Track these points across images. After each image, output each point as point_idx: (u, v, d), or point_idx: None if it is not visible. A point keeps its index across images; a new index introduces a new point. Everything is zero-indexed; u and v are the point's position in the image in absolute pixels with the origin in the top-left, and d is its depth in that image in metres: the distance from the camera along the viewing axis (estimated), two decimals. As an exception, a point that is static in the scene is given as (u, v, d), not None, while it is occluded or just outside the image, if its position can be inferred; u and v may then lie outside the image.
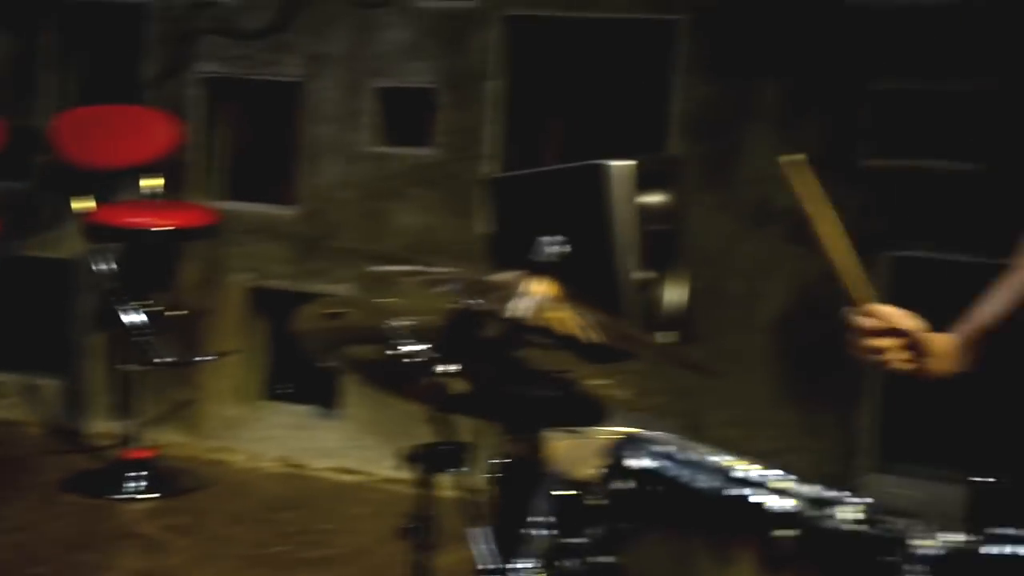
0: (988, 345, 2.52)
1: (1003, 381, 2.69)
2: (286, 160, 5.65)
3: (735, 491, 1.90)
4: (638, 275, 3.04)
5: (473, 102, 5.33)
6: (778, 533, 1.87)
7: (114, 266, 5.22)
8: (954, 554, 1.84)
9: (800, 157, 2.35)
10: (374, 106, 5.47)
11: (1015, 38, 4.58)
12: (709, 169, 5.10)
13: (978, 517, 2.52)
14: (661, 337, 3.10)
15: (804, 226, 5.08)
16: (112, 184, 5.42)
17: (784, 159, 2.36)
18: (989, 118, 4.65)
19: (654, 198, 2.89)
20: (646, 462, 1.96)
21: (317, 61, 5.51)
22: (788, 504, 1.89)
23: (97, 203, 5.14)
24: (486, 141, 5.32)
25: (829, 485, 2.23)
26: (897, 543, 1.84)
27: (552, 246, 2.40)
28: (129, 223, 4.99)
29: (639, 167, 2.89)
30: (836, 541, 1.88)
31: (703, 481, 1.92)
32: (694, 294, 3.16)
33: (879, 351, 2.46)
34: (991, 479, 2.52)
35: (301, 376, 5.66)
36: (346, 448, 5.55)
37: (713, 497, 1.90)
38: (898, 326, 2.44)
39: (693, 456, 2.02)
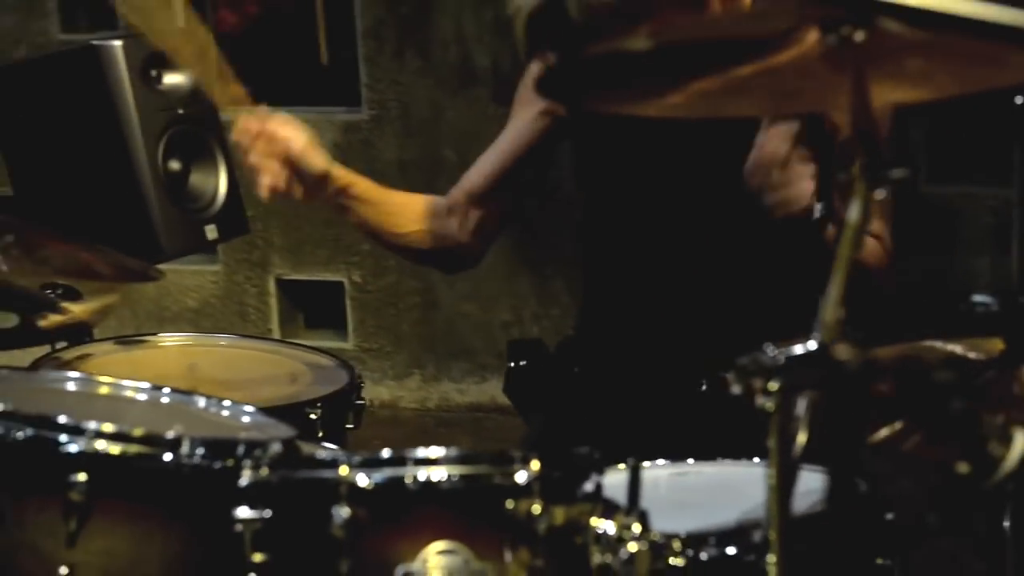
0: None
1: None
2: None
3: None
4: (163, 166, 2.73)
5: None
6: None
7: None
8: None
9: None
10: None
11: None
12: (405, 33, 4.80)
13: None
14: (210, 231, 2.80)
15: (507, 85, 4.77)
16: None
17: None
18: None
19: (174, 79, 2.57)
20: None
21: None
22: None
23: None
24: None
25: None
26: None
27: None
28: None
29: (145, 45, 2.57)
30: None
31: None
32: (237, 179, 2.85)
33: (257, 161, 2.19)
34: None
35: None
36: None
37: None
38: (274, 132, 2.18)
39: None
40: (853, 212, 1.36)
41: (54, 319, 2.42)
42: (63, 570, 1.61)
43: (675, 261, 2.37)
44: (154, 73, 2.74)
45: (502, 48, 4.71)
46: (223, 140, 2.79)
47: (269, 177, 2.22)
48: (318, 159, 2.26)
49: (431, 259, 2.61)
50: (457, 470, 1.52)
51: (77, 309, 2.40)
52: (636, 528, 1.51)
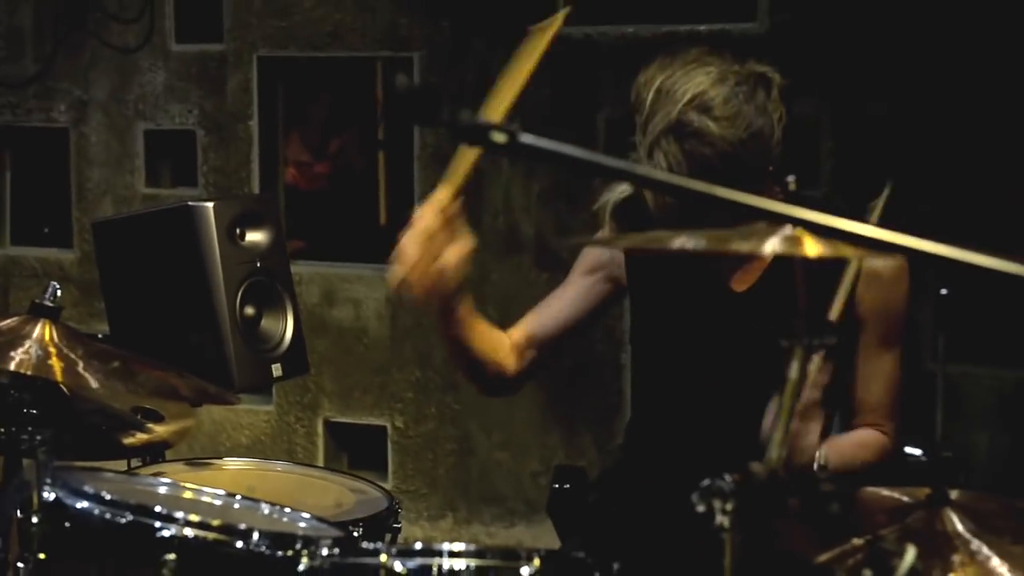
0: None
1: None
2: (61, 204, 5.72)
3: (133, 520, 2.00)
4: (240, 312, 3.14)
5: (233, 142, 5.42)
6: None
7: None
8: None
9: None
10: (141, 149, 5.55)
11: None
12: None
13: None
14: (276, 370, 3.20)
15: (549, 252, 5.15)
16: None
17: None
18: None
19: (254, 236, 3.01)
20: (55, 495, 2.06)
21: (83, 106, 5.60)
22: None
23: None
24: (251, 180, 5.42)
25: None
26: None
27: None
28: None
29: (232, 207, 3.01)
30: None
31: (103, 511, 2.02)
32: (301, 325, 3.27)
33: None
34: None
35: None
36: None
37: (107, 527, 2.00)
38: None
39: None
40: (792, 371, 1.74)
41: (139, 437, 2.80)
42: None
43: (716, 411, 2.67)
44: (238, 231, 3.20)
45: (545, 218, 5.14)
46: (292, 290, 3.21)
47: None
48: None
49: (483, 382, 2.84)
50: (474, 562, 1.89)
51: (160, 430, 2.78)
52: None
